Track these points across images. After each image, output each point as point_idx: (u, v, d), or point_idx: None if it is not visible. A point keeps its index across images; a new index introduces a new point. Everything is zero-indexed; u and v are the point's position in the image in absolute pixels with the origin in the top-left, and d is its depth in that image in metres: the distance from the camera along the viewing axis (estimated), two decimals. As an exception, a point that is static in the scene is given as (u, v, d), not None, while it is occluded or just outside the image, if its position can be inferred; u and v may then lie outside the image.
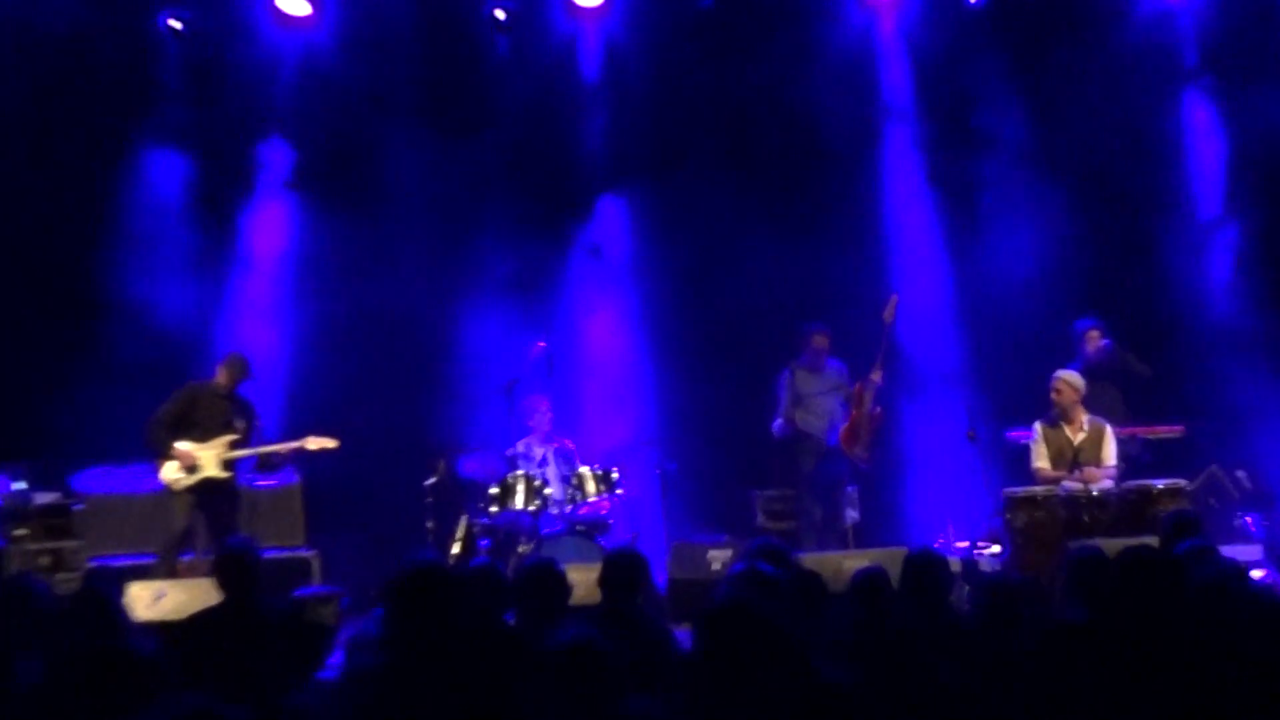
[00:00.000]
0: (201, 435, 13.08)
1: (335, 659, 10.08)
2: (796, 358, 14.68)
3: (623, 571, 7.98)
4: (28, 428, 14.68)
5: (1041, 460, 13.15)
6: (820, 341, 14.60)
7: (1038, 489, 12.78)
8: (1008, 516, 12.63)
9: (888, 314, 14.26)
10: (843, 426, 14.41)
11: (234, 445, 13.14)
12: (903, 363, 15.49)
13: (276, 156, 16.08)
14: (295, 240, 16.13)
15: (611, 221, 16.38)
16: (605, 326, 16.21)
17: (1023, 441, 13.57)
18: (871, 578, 7.74)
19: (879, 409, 14.35)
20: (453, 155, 15.77)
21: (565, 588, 7.66)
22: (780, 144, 16.16)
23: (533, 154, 16.12)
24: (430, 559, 6.72)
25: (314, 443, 13.20)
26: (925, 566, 7.61)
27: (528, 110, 16.11)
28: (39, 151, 15.36)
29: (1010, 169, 15.74)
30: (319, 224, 15.94)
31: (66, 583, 13.47)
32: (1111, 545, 8.10)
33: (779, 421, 14.51)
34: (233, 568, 8.08)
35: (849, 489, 14.57)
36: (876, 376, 14.18)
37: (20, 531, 13.88)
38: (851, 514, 14.58)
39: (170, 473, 13.00)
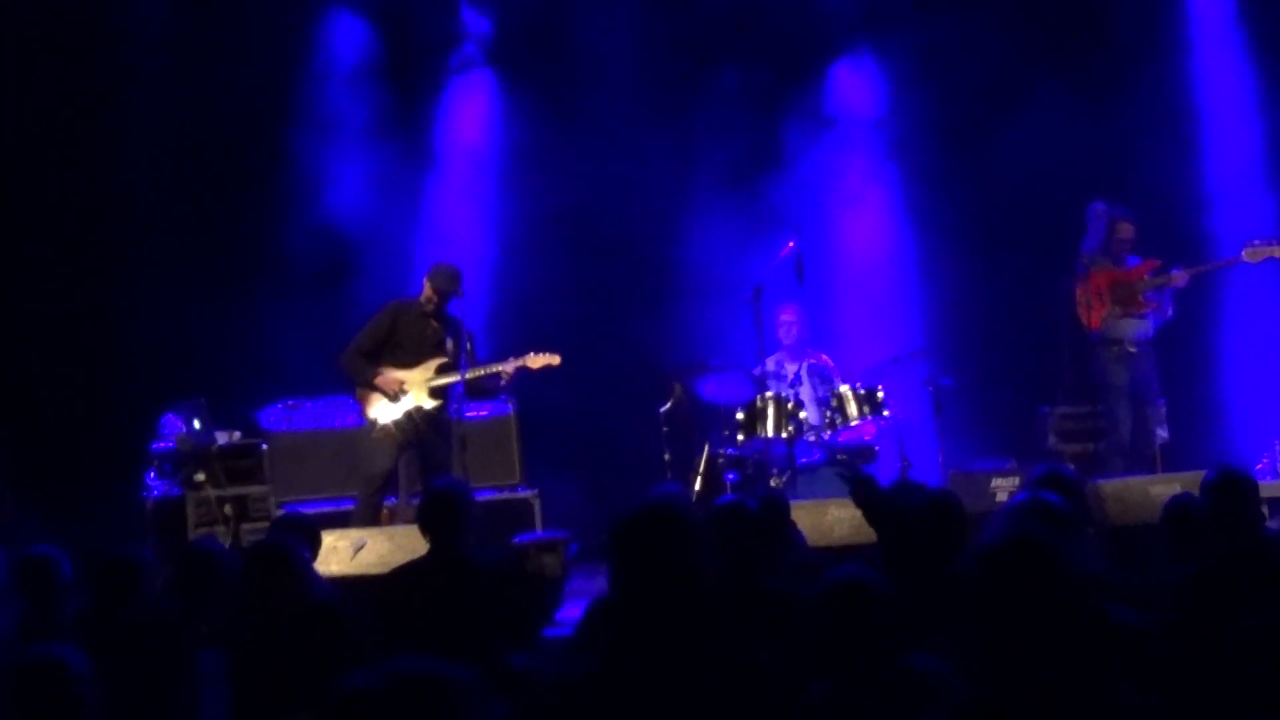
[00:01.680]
0: (406, 360, 13.09)
1: (565, 613, 10.36)
2: (1097, 246, 14.30)
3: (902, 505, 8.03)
4: (203, 358, 15.10)
5: None
6: (1125, 230, 14.22)
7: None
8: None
9: (1255, 254, 13.88)
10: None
11: (443, 370, 13.10)
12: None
13: (470, 29, 16.28)
14: (495, 127, 16.39)
15: (857, 85, 16.28)
16: (862, 217, 16.19)
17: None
18: (1185, 506, 7.70)
19: (1152, 302, 14.03)
20: (666, 21, 15.80)
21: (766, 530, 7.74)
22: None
23: (762, 10, 16.03)
24: (668, 495, 6.83)
25: (537, 360, 13.06)
26: (1229, 491, 7.45)
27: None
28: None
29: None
30: (520, 107, 16.22)
31: (254, 533, 13.80)
32: None
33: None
34: (440, 513, 8.24)
35: (1158, 402, 14.40)
36: (1181, 278, 13.88)
37: (199, 477, 14.19)
38: (1160, 433, 14.41)
39: (373, 406, 13.08)
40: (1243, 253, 13.79)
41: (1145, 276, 13.96)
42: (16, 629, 8.15)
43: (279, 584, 7.02)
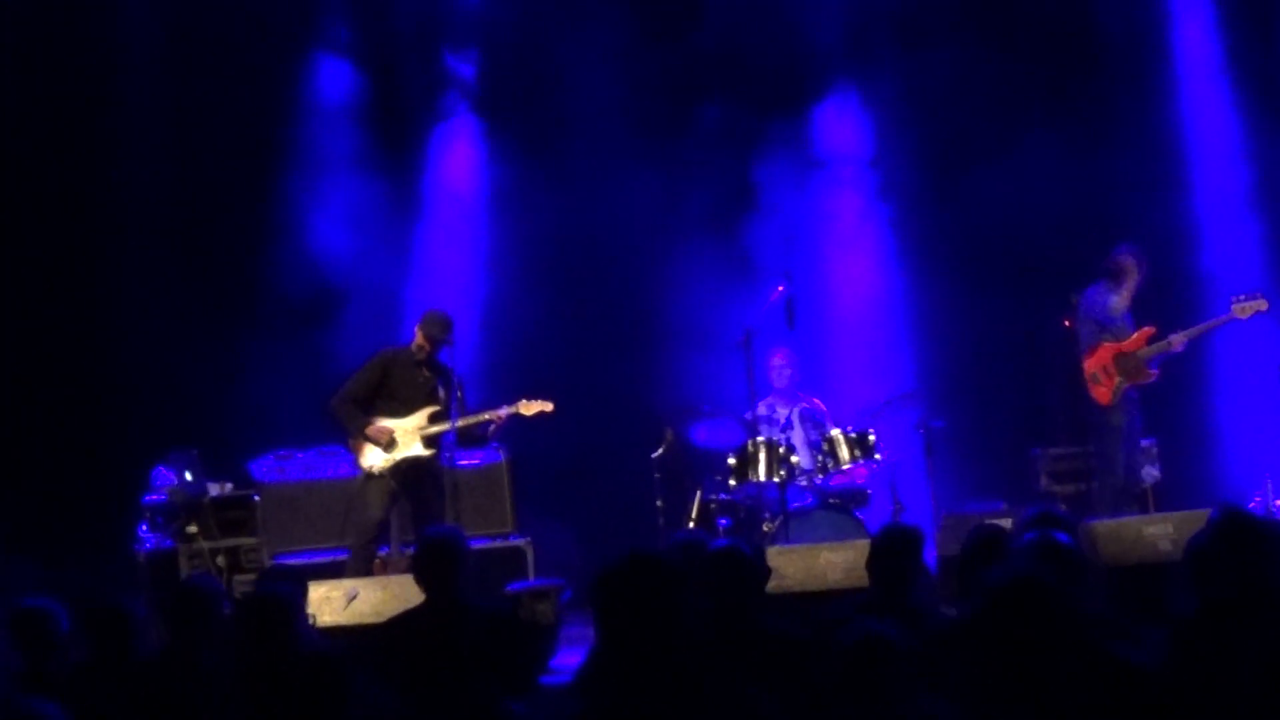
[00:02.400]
0: (398, 409, 13.11)
1: (560, 660, 10.32)
2: (1113, 282, 14.19)
3: (895, 552, 8.04)
4: (195, 410, 15.09)
5: None
6: (1137, 269, 14.18)
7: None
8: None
9: (1243, 310, 13.91)
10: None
11: (435, 418, 13.08)
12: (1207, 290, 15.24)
13: (455, 73, 16.33)
14: (482, 171, 16.46)
15: (845, 125, 16.30)
16: (852, 259, 16.19)
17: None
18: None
19: (1155, 372, 14.06)
20: (651, 64, 15.84)
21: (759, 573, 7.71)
22: (1051, 19, 15.94)
23: (747, 50, 16.05)
24: (647, 548, 6.78)
25: (530, 407, 13.07)
26: (1237, 530, 7.39)
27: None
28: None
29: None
30: (506, 151, 16.28)
31: (245, 585, 13.77)
32: None
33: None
34: (436, 561, 8.20)
35: (1145, 442, 14.40)
36: (1178, 342, 13.88)
37: (192, 529, 14.22)
38: (1151, 472, 14.41)
39: (365, 455, 13.06)
40: (1232, 309, 13.82)
41: (1144, 344, 13.95)
42: (11, 682, 8.10)
43: (272, 634, 6.95)
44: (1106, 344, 14.01)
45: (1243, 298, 13.84)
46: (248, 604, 7.32)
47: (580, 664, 7.47)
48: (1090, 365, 14.02)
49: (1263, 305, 13.75)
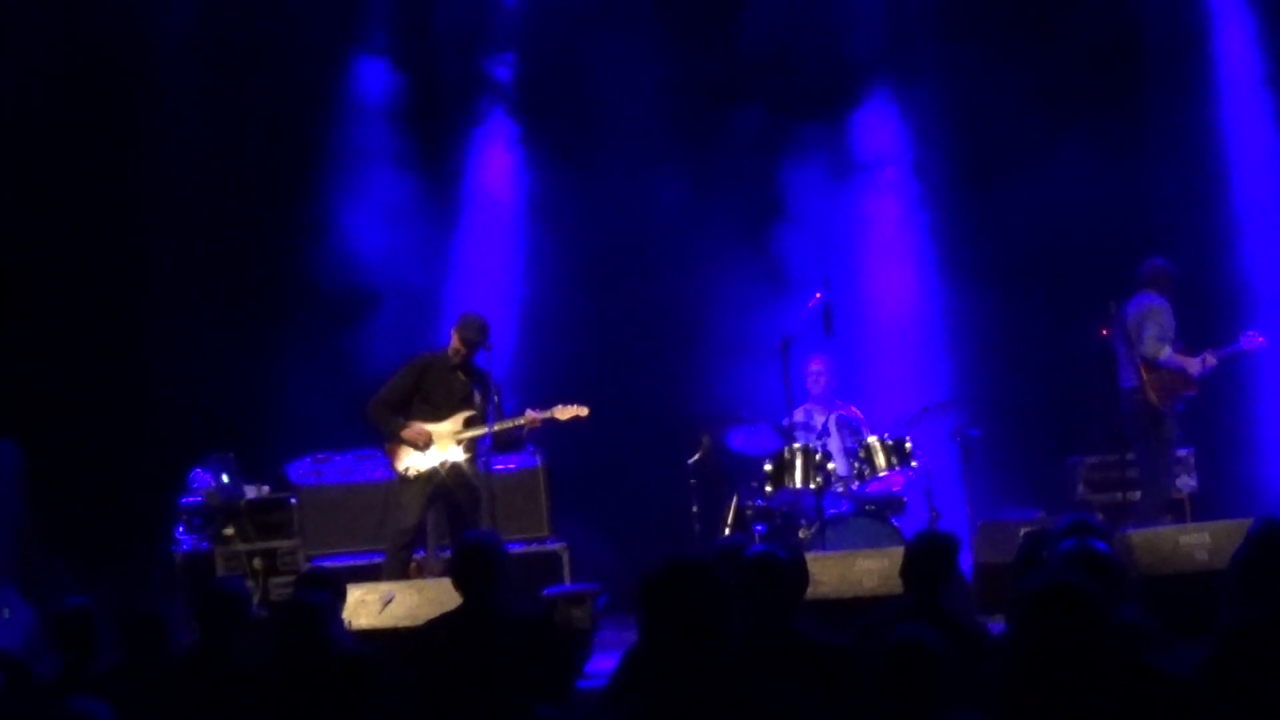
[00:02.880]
0: (434, 413, 13.07)
1: (595, 665, 10.30)
2: (1155, 285, 14.10)
3: (930, 558, 8.04)
4: (232, 413, 15.11)
5: None
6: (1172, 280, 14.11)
7: None
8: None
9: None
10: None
11: (471, 422, 13.06)
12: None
13: (493, 77, 16.35)
14: (519, 175, 16.49)
15: (883, 131, 16.29)
16: (890, 266, 16.15)
17: None
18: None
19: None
20: (689, 67, 15.83)
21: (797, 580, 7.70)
22: (1091, 26, 15.87)
23: (785, 54, 16.04)
24: (692, 553, 6.77)
25: (564, 412, 13.08)
26: (1274, 543, 7.35)
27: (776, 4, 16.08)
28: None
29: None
30: (544, 155, 16.29)
31: (283, 587, 13.79)
32: None
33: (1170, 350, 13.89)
34: (474, 565, 8.18)
35: (1183, 452, 14.35)
36: (1212, 360, 13.82)
37: (228, 531, 14.26)
38: (1188, 481, 14.34)
39: (401, 458, 13.05)
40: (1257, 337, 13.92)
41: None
42: (51, 682, 8.14)
43: (308, 637, 6.96)
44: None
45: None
46: (283, 608, 7.31)
47: (615, 669, 7.46)
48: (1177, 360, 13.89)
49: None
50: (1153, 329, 13.68)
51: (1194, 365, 13.71)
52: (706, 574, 5.27)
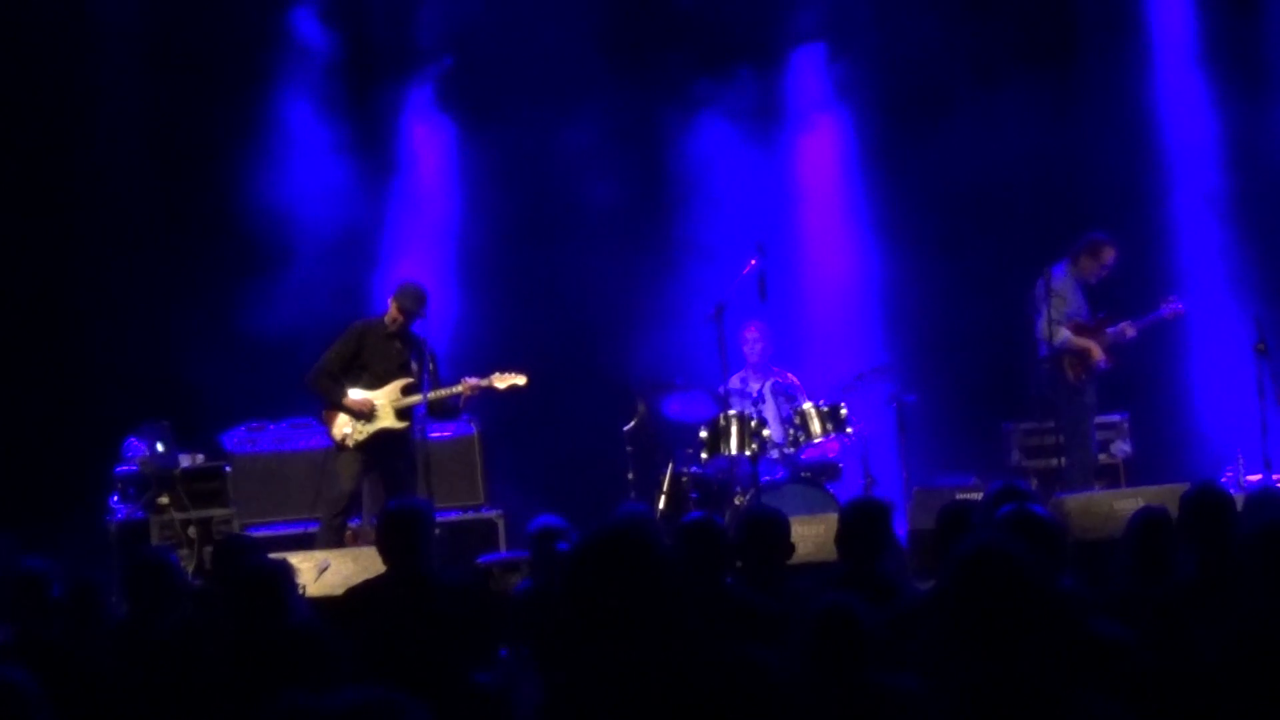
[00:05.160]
0: (372, 381, 13.06)
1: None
2: (1073, 261, 14.13)
3: (864, 524, 8.01)
4: (166, 381, 14.98)
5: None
6: (1109, 255, 14.16)
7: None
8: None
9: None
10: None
11: (408, 390, 13.03)
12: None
13: (428, 43, 16.22)
14: (455, 143, 16.38)
15: (816, 93, 16.22)
16: (824, 232, 16.12)
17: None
18: (1151, 520, 7.62)
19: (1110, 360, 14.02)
20: (623, 30, 15.80)
21: (788, 541, 7.71)
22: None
23: (715, 16, 15.95)
24: (632, 515, 6.75)
25: (502, 380, 13.06)
26: (1205, 507, 7.35)
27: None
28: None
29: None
30: (481, 122, 16.11)
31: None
32: None
33: (1067, 332, 13.99)
34: (398, 533, 8.14)
35: (1117, 417, 14.36)
36: (1131, 331, 13.87)
37: (163, 500, 14.17)
38: (1123, 447, 14.37)
39: (340, 427, 13.02)
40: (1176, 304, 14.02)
41: (1104, 331, 13.91)
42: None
43: (267, 605, 6.88)
44: (1077, 323, 13.94)
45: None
46: (243, 576, 7.19)
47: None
48: (1074, 343, 13.90)
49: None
50: (1049, 312, 13.71)
51: (1091, 346, 13.81)
52: (646, 542, 5.15)
